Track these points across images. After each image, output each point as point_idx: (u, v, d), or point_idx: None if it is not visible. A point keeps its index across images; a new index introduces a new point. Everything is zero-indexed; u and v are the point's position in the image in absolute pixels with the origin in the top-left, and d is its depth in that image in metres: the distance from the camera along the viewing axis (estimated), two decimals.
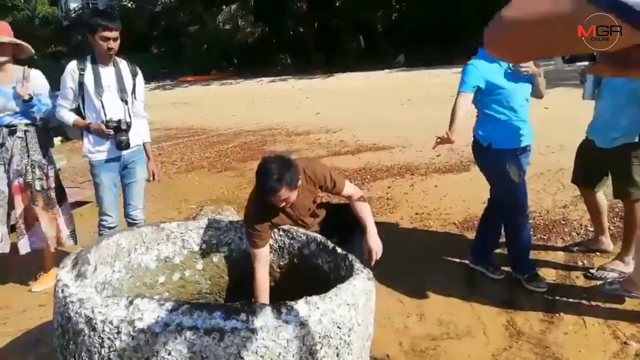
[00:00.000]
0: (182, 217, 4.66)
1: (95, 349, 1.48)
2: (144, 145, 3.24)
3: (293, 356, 1.54)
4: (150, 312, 1.47)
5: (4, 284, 3.49)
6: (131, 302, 1.50)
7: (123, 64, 3.07)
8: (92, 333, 1.49)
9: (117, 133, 2.94)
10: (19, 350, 2.64)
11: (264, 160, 2.30)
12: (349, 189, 2.56)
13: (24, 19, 31.58)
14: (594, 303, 2.71)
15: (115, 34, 2.86)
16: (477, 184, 3.32)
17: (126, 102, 3.03)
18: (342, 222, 2.64)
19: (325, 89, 14.91)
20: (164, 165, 7.22)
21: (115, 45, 2.89)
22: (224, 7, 21.32)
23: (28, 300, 3.18)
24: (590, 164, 3.06)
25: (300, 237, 2.43)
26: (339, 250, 2.23)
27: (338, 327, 1.66)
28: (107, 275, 2.08)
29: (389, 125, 8.40)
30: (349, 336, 1.70)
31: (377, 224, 4.08)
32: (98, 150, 3.02)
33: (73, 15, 30.99)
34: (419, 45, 18.73)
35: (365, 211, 2.49)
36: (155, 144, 8.78)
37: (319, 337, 1.60)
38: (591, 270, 2.99)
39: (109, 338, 1.46)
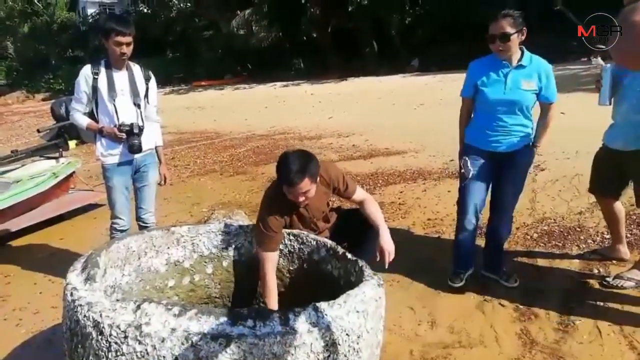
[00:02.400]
0: (194, 220, 4.68)
1: (103, 353, 1.49)
2: (156, 149, 3.27)
3: None
4: (157, 317, 1.47)
5: (18, 285, 3.53)
6: (139, 307, 1.50)
7: (136, 68, 3.09)
8: (99, 337, 1.49)
9: (130, 137, 2.96)
10: (31, 352, 2.67)
11: (285, 153, 2.30)
12: (360, 193, 2.56)
13: (43, 24, 32.15)
14: (609, 312, 2.65)
15: (128, 39, 2.87)
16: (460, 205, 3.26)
17: (139, 106, 3.05)
18: (352, 228, 2.62)
19: (339, 94, 14.90)
20: (177, 168, 7.27)
21: (128, 50, 2.91)
22: (239, 12, 21.46)
23: (41, 302, 3.21)
24: (609, 172, 2.99)
25: (310, 242, 2.41)
26: (349, 256, 2.21)
27: (347, 334, 1.64)
28: (116, 279, 2.09)
29: (401, 129, 8.35)
30: (357, 344, 1.69)
31: (389, 229, 4.06)
32: (110, 154, 3.04)
33: (90, 20, 31.45)
34: (433, 49, 18.63)
35: (377, 213, 2.48)
36: (169, 147, 8.88)
37: (327, 344, 1.58)
38: (607, 279, 2.92)
39: (116, 342, 1.46)
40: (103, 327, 1.48)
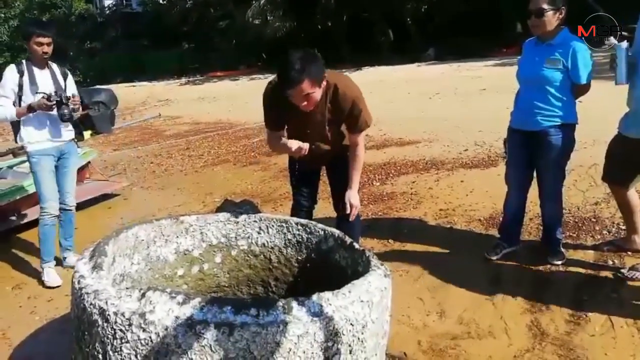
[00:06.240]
0: (206, 210, 4.71)
1: (108, 340, 1.51)
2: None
3: (304, 352, 1.53)
4: (161, 305, 1.48)
5: (32, 274, 3.60)
6: (143, 295, 1.52)
7: (55, 67, 3.38)
8: (105, 324, 1.51)
9: (59, 107, 3.16)
10: (44, 339, 2.73)
11: (286, 53, 2.16)
12: (361, 138, 2.50)
13: (61, 16, 32.47)
14: (623, 304, 2.60)
15: (48, 39, 3.16)
16: (504, 179, 3.25)
17: None
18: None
19: None
20: (191, 158, 7.32)
21: (49, 49, 3.18)
22: (253, 2, 21.39)
23: (55, 290, 3.27)
24: (623, 160, 2.93)
25: (319, 232, 2.41)
26: (357, 246, 2.21)
27: (351, 324, 1.63)
28: (125, 267, 2.11)
29: (416, 119, 8.27)
30: (362, 333, 1.68)
31: (401, 219, 4.04)
32: (37, 141, 3.27)
33: (107, 12, 31.67)
34: (450, 38, 18.38)
35: (357, 166, 2.52)
36: (184, 137, 8.95)
37: (331, 334, 1.58)
38: (622, 270, 2.87)
39: (120, 330, 1.48)
40: (108, 314, 1.50)
